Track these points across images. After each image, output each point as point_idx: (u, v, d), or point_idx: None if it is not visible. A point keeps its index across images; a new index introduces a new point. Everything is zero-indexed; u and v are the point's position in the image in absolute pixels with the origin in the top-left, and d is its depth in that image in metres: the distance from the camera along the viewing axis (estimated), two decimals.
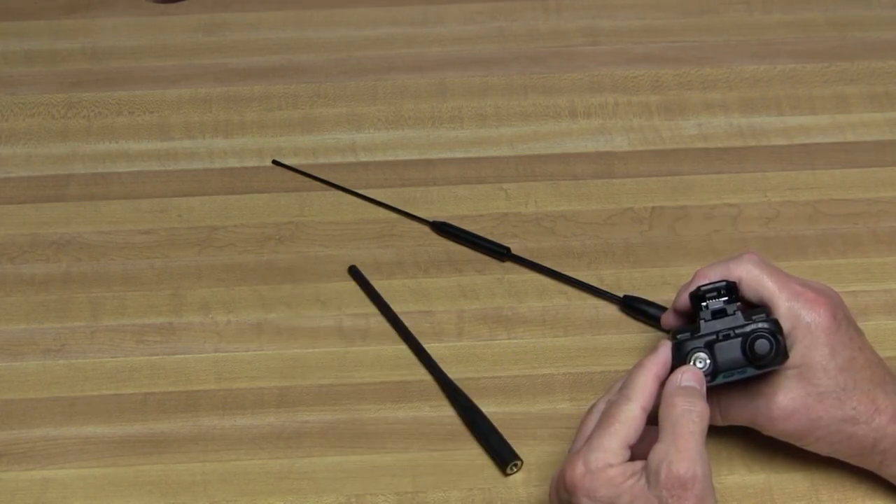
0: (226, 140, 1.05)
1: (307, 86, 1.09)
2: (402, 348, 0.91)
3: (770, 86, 1.08)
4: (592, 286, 0.94)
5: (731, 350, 0.75)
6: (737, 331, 0.75)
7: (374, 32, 1.14)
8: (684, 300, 0.81)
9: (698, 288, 0.78)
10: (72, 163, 1.04)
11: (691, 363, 0.75)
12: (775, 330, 0.75)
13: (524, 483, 0.84)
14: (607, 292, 0.93)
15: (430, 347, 0.91)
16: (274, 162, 1.03)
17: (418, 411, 0.88)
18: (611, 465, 0.72)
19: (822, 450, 0.78)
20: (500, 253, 0.96)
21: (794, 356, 0.77)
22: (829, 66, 1.10)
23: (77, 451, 0.86)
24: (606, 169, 1.02)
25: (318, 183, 1.02)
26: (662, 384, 0.75)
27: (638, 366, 0.76)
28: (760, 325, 0.75)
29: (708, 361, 0.75)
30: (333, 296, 0.94)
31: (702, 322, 0.77)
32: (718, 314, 0.77)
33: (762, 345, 0.74)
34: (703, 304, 0.78)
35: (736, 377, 0.75)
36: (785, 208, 0.99)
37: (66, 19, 1.15)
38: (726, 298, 0.78)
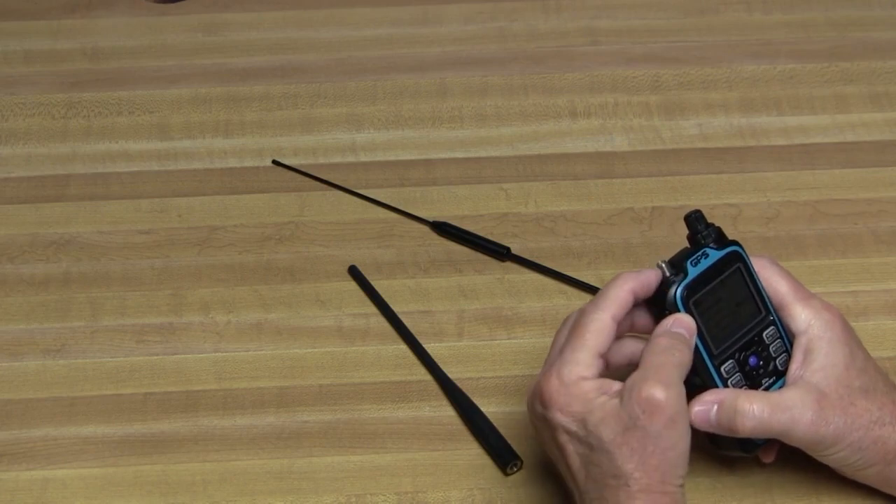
0: (226, 140, 1.05)
1: (307, 86, 1.09)
2: (402, 348, 0.91)
3: (770, 86, 1.08)
4: (592, 286, 0.94)
5: (682, 250, 0.77)
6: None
7: (374, 32, 1.14)
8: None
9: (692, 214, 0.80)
10: (72, 163, 1.04)
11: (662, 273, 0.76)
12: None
13: (524, 483, 0.84)
14: None
15: (430, 347, 0.91)
16: (274, 162, 1.03)
17: (418, 411, 0.88)
18: (584, 378, 0.72)
19: (850, 458, 0.76)
20: (500, 253, 0.96)
21: (819, 359, 0.76)
22: (829, 66, 1.10)
23: (77, 451, 0.86)
24: (606, 169, 1.02)
25: (318, 183, 1.02)
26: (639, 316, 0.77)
27: (615, 277, 0.76)
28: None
29: (667, 263, 0.76)
30: (333, 296, 0.94)
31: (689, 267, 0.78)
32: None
33: (695, 217, 0.78)
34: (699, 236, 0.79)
35: (704, 264, 0.76)
36: (785, 208, 0.99)
37: (66, 19, 1.15)
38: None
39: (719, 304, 0.77)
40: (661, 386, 0.71)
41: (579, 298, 0.94)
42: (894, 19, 1.14)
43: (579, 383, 0.73)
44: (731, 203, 1.00)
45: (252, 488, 0.84)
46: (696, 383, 0.77)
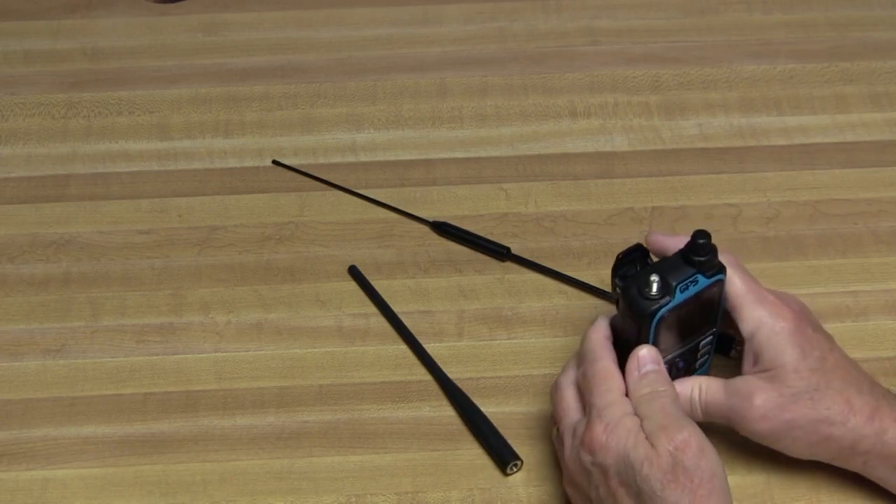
0: (226, 140, 1.05)
1: (307, 86, 1.09)
2: (402, 348, 0.91)
3: (770, 86, 1.08)
4: (592, 286, 0.94)
5: (674, 264, 0.78)
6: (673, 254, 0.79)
7: (374, 32, 1.14)
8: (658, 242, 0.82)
9: (618, 258, 0.80)
10: (72, 163, 1.04)
11: (648, 287, 0.76)
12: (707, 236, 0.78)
13: (524, 483, 0.84)
14: (607, 292, 0.93)
15: (430, 347, 0.91)
16: (274, 162, 1.03)
17: (418, 411, 0.88)
18: (626, 414, 0.74)
19: (802, 452, 0.78)
20: (500, 253, 0.96)
21: (765, 359, 0.77)
22: (829, 66, 1.10)
23: (77, 451, 0.86)
24: (606, 169, 1.02)
25: (318, 183, 1.02)
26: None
27: (584, 337, 0.78)
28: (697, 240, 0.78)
29: (658, 280, 0.77)
30: (333, 296, 0.94)
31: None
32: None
33: (702, 243, 0.77)
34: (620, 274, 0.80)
35: (691, 290, 0.77)
36: (785, 208, 0.99)
37: (66, 19, 1.15)
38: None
39: (680, 321, 0.79)
40: (674, 428, 0.73)
41: (579, 298, 0.94)
42: (894, 19, 1.14)
43: (624, 419, 0.74)
44: (731, 203, 1.00)
45: (252, 488, 0.84)
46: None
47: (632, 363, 0.77)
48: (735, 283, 0.79)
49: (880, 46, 1.11)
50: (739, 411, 0.77)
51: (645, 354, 0.77)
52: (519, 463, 0.84)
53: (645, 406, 0.75)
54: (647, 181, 1.01)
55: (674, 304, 0.77)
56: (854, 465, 0.79)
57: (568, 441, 0.77)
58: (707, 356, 0.84)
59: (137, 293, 0.95)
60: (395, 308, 0.93)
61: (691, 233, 0.78)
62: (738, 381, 0.78)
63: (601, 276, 0.95)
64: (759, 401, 0.77)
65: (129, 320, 0.93)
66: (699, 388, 0.79)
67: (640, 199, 1.00)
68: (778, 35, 1.13)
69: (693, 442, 0.72)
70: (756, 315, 0.78)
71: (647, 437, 0.73)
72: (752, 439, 0.79)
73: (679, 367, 0.82)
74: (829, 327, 0.90)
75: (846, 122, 1.05)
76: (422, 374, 0.90)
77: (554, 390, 0.80)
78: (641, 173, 1.02)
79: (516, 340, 0.92)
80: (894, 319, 0.92)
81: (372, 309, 0.94)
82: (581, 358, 0.78)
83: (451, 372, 0.89)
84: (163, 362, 0.91)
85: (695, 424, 0.74)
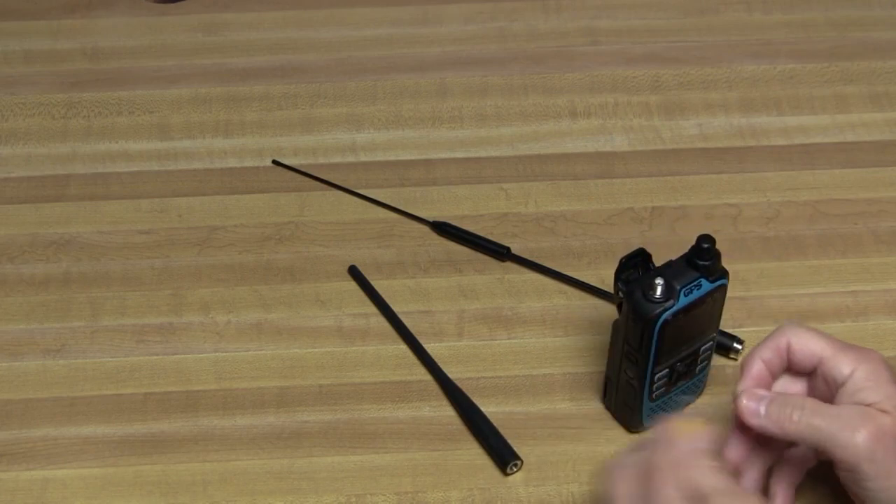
0: (226, 140, 1.05)
1: (307, 86, 1.09)
2: (402, 348, 0.91)
3: (770, 86, 1.08)
4: (592, 286, 0.94)
5: (679, 268, 0.78)
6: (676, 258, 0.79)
7: (374, 32, 1.14)
8: (755, 368, 0.78)
9: (621, 262, 0.81)
10: (72, 163, 1.04)
11: (652, 290, 0.77)
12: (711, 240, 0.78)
13: (524, 483, 0.84)
14: (607, 292, 0.93)
15: (430, 347, 0.91)
16: (274, 162, 1.03)
17: (418, 411, 0.88)
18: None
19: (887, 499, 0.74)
20: (500, 253, 0.96)
21: (870, 397, 0.74)
22: (829, 66, 1.10)
23: (77, 451, 0.86)
24: (606, 169, 1.02)
25: (318, 183, 1.02)
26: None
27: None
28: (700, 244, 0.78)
29: (663, 283, 0.77)
30: (333, 296, 0.94)
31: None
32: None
33: (706, 247, 0.77)
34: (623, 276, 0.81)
35: (694, 294, 0.77)
36: (785, 208, 0.99)
37: (66, 19, 1.15)
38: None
39: (683, 325, 0.79)
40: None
41: (579, 298, 0.94)
42: (894, 19, 1.14)
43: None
44: (731, 203, 1.00)
45: (252, 488, 0.84)
46: (624, 379, 0.82)
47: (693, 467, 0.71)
48: (814, 343, 0.76)
49: (880, 46, 1.11)
50: (850, 427, 0.72)
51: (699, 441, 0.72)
52: (519, 463, 0.84)
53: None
54: (647, 181, 1.01)
55: (678, 308, 0.77)
56: None
57: None
58: (706, 362, 0.84)
59: (137, 293, 0.95)
60: (395, 308, 0.93)
61: (695, 239, 0.78)
62: (851, 406, 0.74)
63: (601, 276, 0.95)
64: (874, 422, 0.72)
65: (129, 320, 0.93)
66: (803, 399, 0.74)
67: (640, 199, 1.00)
68: (778, 35, 1.13)
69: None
70: (849, 361, 0.75)
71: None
72: (854, 478, 0.74)
73: (680, 372, 0.82)
74: (829, 327, 0.90)
75: (846, 122, 1.05)
76: (422, 374, 0.90)
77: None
78: (641, 173, 1.02)
79: (516, 340, 0.92)
80: (894, 319, 0.92)
81: (372, 309, 0.94)
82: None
83: (451, 372, 0.89)
84: (163, 362, 0.91)
85: (729, 478, 0.70)
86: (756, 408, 0.75)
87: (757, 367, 0.77)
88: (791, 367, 0.77)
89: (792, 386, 0.78)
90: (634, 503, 0.70)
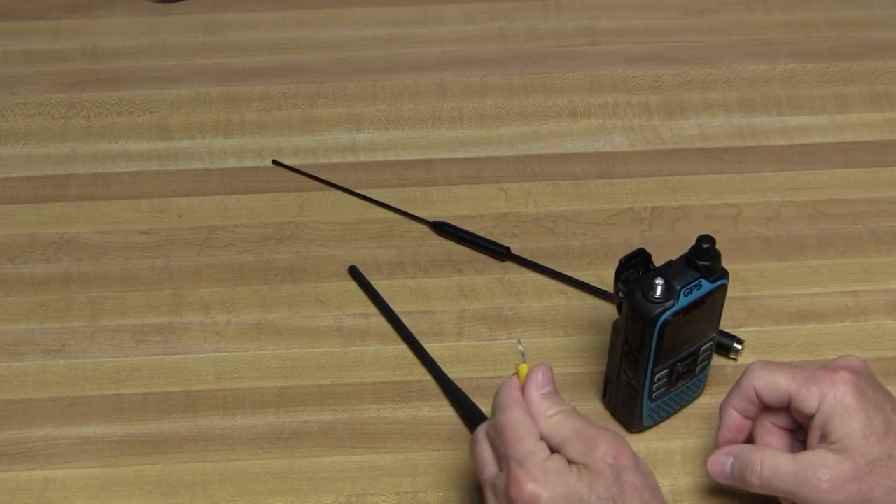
0: (226, 140, 1.05)
1: (307, 86, 1.09)
2: (402, 348, 0.91)
3: (770, 86, 1.08)
4: (592, 286, 0.94)
5: (679, 268, 0.79)
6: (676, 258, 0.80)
7: (374, 32, 1.14)
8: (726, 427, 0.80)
9: (620, 262, 0.81)
10: (72, 163, 1.04)
11: (652, 291, 0.77)
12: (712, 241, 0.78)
13: None
14: (607, 292, 0.93)
15: (430, 347, 0.91)
16: (274, 162, 1.03)
17: (418, 411, 0.88)
18: (548, 457, 0.72)
19: None
20: (500, 253, 0.96)
21: (835, 431, 0.74)
22: (829, 66, 1.10)
23: (77, 451, 0.86)
24: (606, 169, 1.02)
25: (318, 183, 1.02)
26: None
27: (497, 390, 0.75)
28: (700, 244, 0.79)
29: (663, 283, 0.77)
30: (333, 296, 0.94)
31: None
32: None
33: (706, 248, 0.78)
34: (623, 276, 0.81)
35: (695, 294, 0.78)
36: (785, 208, 0.99)
37: (66, 19, 1.15)
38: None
39: (683, 325, 0.79)
40: (596, 441, 0.72)
41: (579, 298, 0.94)
42: (894, 19, 1.14)
43: (548, 463, 0.72)
44: (731, 203, 1.00)
45: (252, 488, 0.84)
46: (623, 379, 0.82)
47: (531, 386, 0.74)
48: (777, 380, 0.76)
49: (880, 46, 1.11)
50: (810, 482, 0.73)
51: (542, 377, 0.74)
52: None
53: (556, 431, 0.73)
54: (647, 181, 1.01)
55: (678, 308, 0.77)
56: None
57: (491, 497, 0.73)
58: (706, 362, 0.84)
59: (137, 293, 0.95)
60: (395, 308, 0.93)
61: (695, 239, 0.78)
62: (808, 454, 0.74)
63: (601, 276, 0.95)
64: (830, 472, 0.73)
65: (129, 320, 0.93)
66: (762, 459, 0.75)
67: (640, 199, 1.00)
68: (778, 35, 1.13)
69: (620, 445, 0.71)
70: (813, 393, 0.75)
71: (576, 464, 0.71)
72: None
73: (679, 373, 0.82)
74: (830, 327, 0.91)
75: (846, 122, 1.05)
76: (422, 374, 0.90)
77: (472, 442, 0.76)
78: (641, 173, 1.02)
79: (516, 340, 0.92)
80: (894, 319, 0.92)
81: (372, 309, 0.94)
82: (493, 409, 0.75)
83: (451, 372, 0.89)
84: (163, 362, 0.91)
85: (607, 429, 0.73)
86: (721, 469, 0.78)
87: (731, 418, 0.79)
88: (766, 406, 0.78)
89: (776, 419, 0.78)
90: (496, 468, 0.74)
